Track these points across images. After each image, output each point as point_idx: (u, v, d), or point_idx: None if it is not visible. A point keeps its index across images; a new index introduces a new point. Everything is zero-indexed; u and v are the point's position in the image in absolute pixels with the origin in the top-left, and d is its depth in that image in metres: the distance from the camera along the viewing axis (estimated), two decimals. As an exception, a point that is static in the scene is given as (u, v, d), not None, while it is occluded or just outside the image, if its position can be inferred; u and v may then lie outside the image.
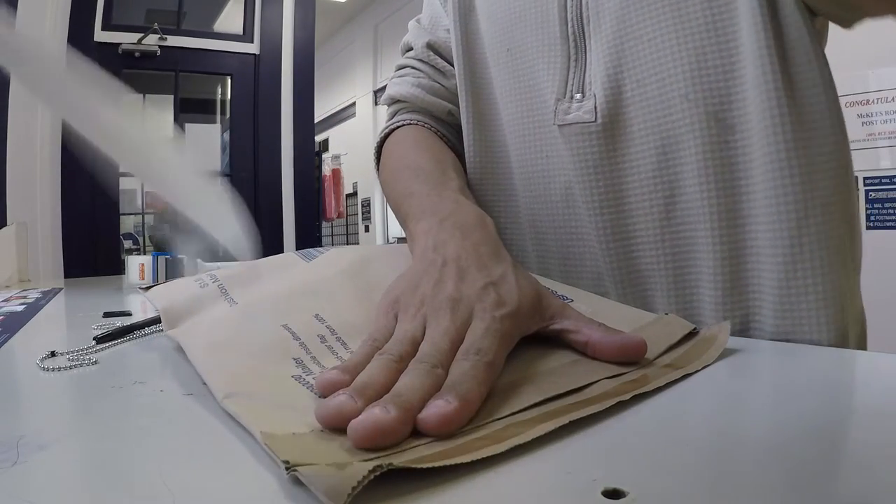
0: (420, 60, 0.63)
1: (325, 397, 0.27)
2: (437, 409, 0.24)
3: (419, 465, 0.20)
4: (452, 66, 0.61)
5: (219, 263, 1.36)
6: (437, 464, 0.20)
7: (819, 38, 0.45)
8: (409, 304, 0.33)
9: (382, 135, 0.62)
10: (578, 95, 0.49)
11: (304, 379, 0.30)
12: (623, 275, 0.49)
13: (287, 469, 0.20)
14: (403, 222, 0.47)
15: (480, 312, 0.32)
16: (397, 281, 0.36)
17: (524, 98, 0.53)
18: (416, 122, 0.61)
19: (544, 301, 0.35)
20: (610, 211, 0.49)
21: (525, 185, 0.55)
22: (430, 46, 0.62)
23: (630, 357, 0.32)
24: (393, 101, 0.64)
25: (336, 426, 0.24)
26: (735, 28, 0.43)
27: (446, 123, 0.62)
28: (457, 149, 0.61)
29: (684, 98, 0.45)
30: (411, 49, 0.65)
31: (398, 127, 0.61)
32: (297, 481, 0.20)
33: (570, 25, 0.49)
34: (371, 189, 7.39)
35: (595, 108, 0.48)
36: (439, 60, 0.62)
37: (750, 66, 0.43)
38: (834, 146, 0.43)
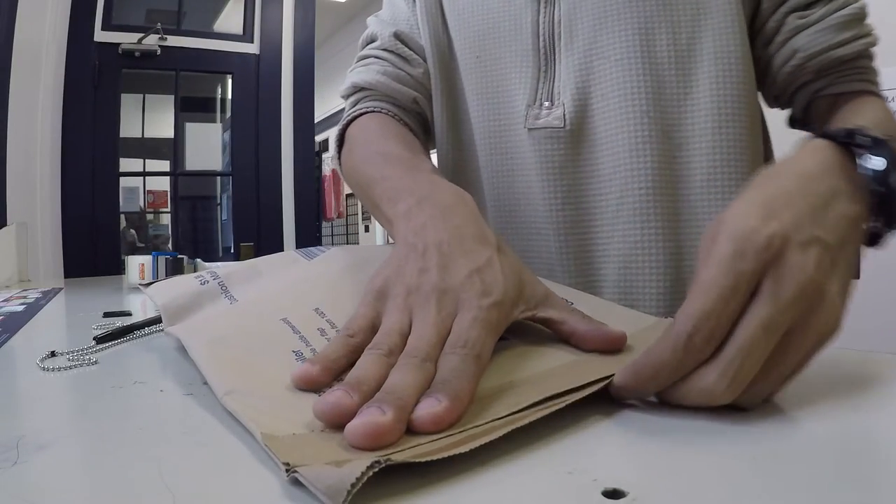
0: (385, 50, 0.63)
1: (301, 389, 0.28)
2: (429, 408, 0.24)
3: (417, 460, 0.20)
4: (418, 55, 0.62)
5: (219, 263, 1.36)
6: (434, 457, 0.20)
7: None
8: (396, 294, 0.33)
9: (344, 122, 0.62)
10: (547, 103, 0.54)
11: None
12: (577, 266, 0.54)
13: (287, 471, 0.20)
14: (376, 206, 0.46)
15: (467, 302, 0.31)
16: (381, 268, 0.36)
17: (493, 103, 0.57)
18: (379, 110, 0.61)
19: (528, 288, 0.35)
20: (570, 207, 0.54)
21: (490, 184, 0.58)
22: (397, 36, 0.63)
23: (612, 348, 0.32)
24: (356, 90, 0.64)
25: (334, 422, 0.24)
26: (694, 68, 0.50)
27: (409, 112, 0.62)
28: (420, 138, 0.62)
29: (645, 114, 0.51)
30: (374, 41, 0.65)
31: (361, 114, 0.61)
32: (298, 482, 0.20)
33: (541, 39, 0.54)
34: (371, 189, 7.37)
35: (564, 115, 0.53)
36: (406, 49, 0.62)
37: (703, 102, 0.50)
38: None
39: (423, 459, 0.20)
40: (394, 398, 0.24)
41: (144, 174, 3.49)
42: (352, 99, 0.64)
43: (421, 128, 0.64)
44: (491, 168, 0.58)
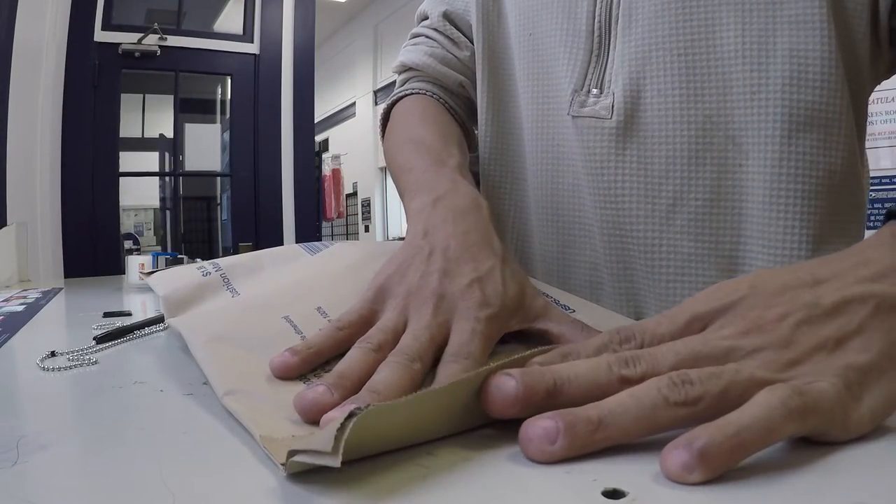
0: (435, 30, 0.63)
1: (279, 378, 0.29)
2: None
3: (395, 404, 0.21)
4: (467, 37, 0.61)
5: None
6: (408, 398, 0.21)
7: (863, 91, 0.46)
8: (396, 294, 0.34)
9: (391, 101, 0.63)
10: (595, 91, 0.49)
11: (304, 375, 0.30)
12: (620, 270, 0.50)
13: (284, 467, 0.20)
14: (401, 195, 0.48)
15: (465, 312, 0.32)
16: (386, 265, 0.36)
17: (542, 85, 0.53)
18: (425, 91, 0.61)
19: (528, 301, 0.35)
20: (612, 207, 0.49)
21: (535, 171, 0.55)
22: (446, 16, 0.62)
23: None
24: (405, 69, 0.64)
25: (312, 419, 0.25)
26: (765, 66, 0.44)
27: (456, 95, 0.62)
28: (464, 122, 0.62)
29: (707, 119, 0.45)
30: (427, 18, 0.64)
31: (407, 95, 0.61)
32: (297, 481, 0.20)
33: (596, 20, 0.49)
34: (371, 189, 7.39)
35: (612, 106, 0.48)
36: (454, 31, 0.62)
37: (773, 106, 0.44)
38: (851, 208, 0.45)
39: (400, 403, 0.21)
40: (379, 399, 0.25)
41: (144, 174, 3.49)
42: (401, 77, 0.65)
43: (467, 112, 0.63)
44: (536, 154, 0.54)
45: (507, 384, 0.23)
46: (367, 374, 0.28)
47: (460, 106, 0.62)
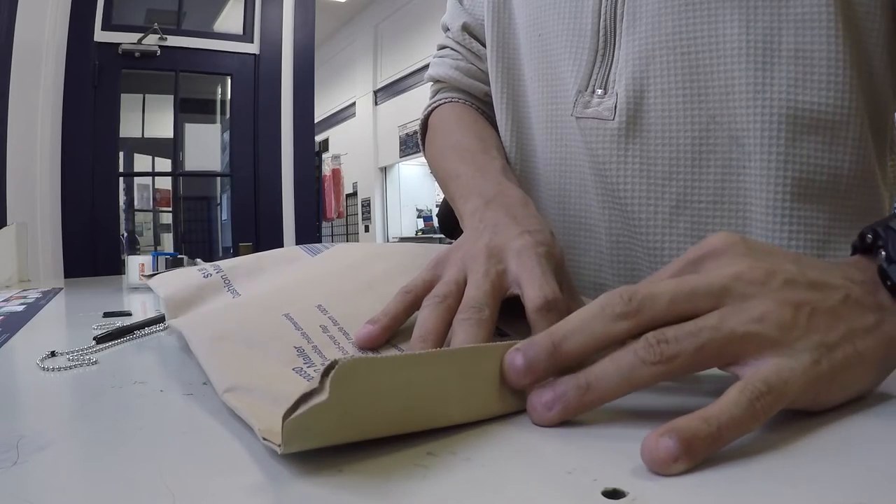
0: (457, 42, 0.64)
1: (364, 349, 0.32)
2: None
3: (382, 358, 0.22)
4: (486, 47, 0.62)
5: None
6: (399, 356, 0.22)
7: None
8: (453, 259, 0.37)
9: (426, 112, 0.65)
10: (600, 91, 0.48)
11: (305, 371, 0.30)
12: (625, 271, 0.50)
13: (282, 449, 0.20)
14: (452, 201, 0.51)
15: (522, 250, 0.35)
16: (446, 248, 0.39)
17: (549, 85, 0.53)
18: (457, 99, 0.63)
19: (566, 267, 0.38)
20: (618, 208, 0.49)
21: (545, 171, 0.55)
22: (465, 28, 0.63)
23: None
24: (434, 81, 0.67)
25: None
26: (769, 66, 0.43)
27: (484, 103, 0.63)
28: (496, 125, 0.62)
29: (711, 119, 0.44)
30: (449, 30, 0.65)
31: (441, 104, 0.63)
32: (296, 480, 0.20)
33: (602, 19, 0.48)
34: (371, 189, 7.39)
35: (615, 106, 0.47)
36: (474, 43, 0.62)
37: (777, 107, 0.43)
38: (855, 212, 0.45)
39: (388, 357, 0.22)
40: None
41: (145, 174, 3.49)
42: (432, 88, 0.67)
43: (494, 117, 0.64)
44: (547, 155, 0.54)
45: (515, 359, 0.26)
46: (443, 327, 0.31)
47: (490, 111, 0.63)
